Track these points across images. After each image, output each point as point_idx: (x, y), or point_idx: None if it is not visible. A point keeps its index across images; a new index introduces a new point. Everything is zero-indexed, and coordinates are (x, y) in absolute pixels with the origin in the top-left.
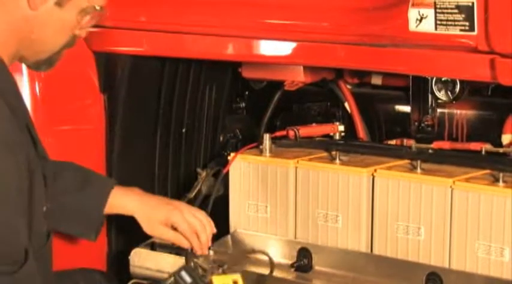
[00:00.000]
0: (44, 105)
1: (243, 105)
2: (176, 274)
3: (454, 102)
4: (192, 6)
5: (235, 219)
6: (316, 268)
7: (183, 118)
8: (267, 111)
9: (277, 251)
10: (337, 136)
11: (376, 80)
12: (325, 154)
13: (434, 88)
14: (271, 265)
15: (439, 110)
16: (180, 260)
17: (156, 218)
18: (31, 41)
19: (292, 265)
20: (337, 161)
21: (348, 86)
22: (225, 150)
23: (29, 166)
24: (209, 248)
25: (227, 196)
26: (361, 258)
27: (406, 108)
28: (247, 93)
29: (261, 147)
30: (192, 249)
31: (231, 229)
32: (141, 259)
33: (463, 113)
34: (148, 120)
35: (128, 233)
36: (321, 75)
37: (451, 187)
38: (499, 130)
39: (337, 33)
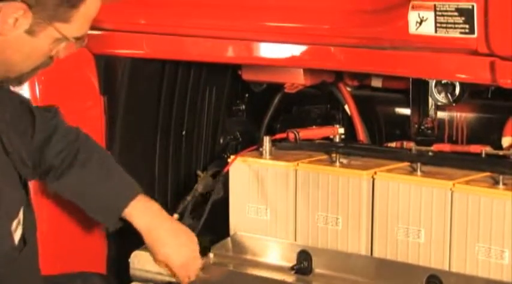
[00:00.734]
0: None
1: (243, 107)
2: None
3: (454, 104)
4: (192, 8)
5: (235, 222)
6: (316, 270)
7: (183, 121)
8: (267, 113)
9: (277, 254)
10: (337, 139)
11: (376, 83)
12: (325, 156)
13: (434, 90)
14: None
15: (439, 113)
16: None
17: (159, 253)
18: (0, 61)
19: (292, 268)
20: (337, 164)
21: (348, 89)
22: (225, 152)
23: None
24: (209, 251)
25: (227, 199)
26: (361, 261)
27: (406, 111)
28: (247, 95)
29: (261, 149)
30: None
31: (231, 232)
32: (141, 262)
33: (463, 116)
34: (148, 122)
35: (128, 236)
36: (321, 77)
37: (451, 189)
38: (499, 133)
39: (337, 36)
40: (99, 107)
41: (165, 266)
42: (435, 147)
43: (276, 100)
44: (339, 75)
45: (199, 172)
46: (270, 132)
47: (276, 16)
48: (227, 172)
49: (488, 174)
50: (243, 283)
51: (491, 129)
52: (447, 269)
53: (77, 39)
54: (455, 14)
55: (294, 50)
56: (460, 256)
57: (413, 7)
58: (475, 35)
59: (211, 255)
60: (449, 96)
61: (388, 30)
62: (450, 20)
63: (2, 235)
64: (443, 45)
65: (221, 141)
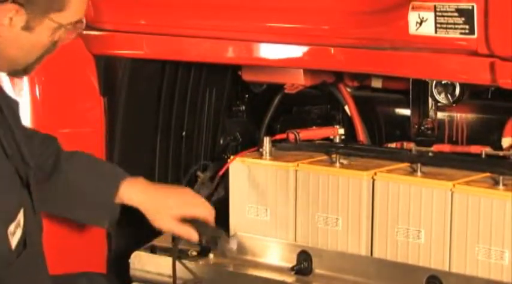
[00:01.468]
0: (44, 108)
1: (243, 108)
2: None
3: (454, 105)
4: (192, 9)
5: (235, 222)
6: (316, 271)
7: (183, 122)
8: (267, 114)
9: (277, 255)
10: (337, 140)
11: (376, 83)
12: (325, 157)
13: (434, 91)
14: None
15: (439, 113)
16: (179, 263)
17: (165, 212)
18: (2, 58)
19: (292, 268)
20: (337, 164)
21: (348, 89)
22: (225, 153)
23: None
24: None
25: (227, 199)
26: (361, 261)
27: (406, 111)
28: (247, 96)
29: (261, 150)
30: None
31: (231, 232)
32: (141, 262)
33: (463, 116)
34: (148, 123)
35: (128, 236)
36: (321, 78)
37: (451, 190)
38: (499, 134)
39: (337, 36)
40: (99, 108)
41: (177, 231)
42: (435, 148)
43: (276, 100)
44: (339, 76)
45: (199, 173)
46: (270, 132)
47: (276, 17)
48: (226, 174)
49: (488, 174)
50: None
51: (491, 129)
52: (447, 269)
53: (75, 23)
54: (455, 14)
55: (294, 51)
56: (460, 256)
57: (413, 8)
58: (475, 36)
59: (211, 255)
60: (449, 96)
61: (388, 31)
62: (450, 20)
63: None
64: (443, 46)
65: (221, 141)
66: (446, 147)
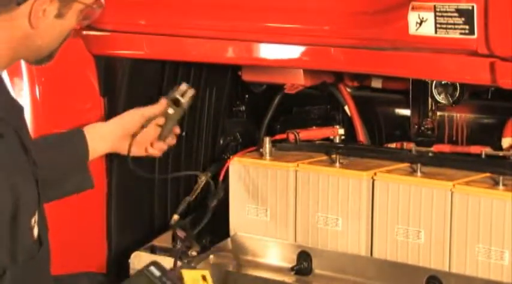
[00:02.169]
0: (44, 109)
1: (243, 108)
2: (145, 268)
3: (454, 105)
4: (192, 9)
5: (235, 222)
6: (316, 271)
7: (183, 122)
8: (267, 114)
9: (277, 255)
10: (337, 140)
11: (376, 83)
12: (325, 157)
13: (434, 91)
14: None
15: (439, 113)
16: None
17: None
18: (28, 47)
19: (292, 269)
20: (337, 164)
21: (348, 89)
22: (225, 153)
23: (9, 177)
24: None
25: (227, 200)
26: (361, 261)
27: (406, 111)
28: (247, 96)
29: (261, 150)
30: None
31: (231, 232)
32: (141, 262)
33: (463, 116)
34: None
35: (128, 236)
36: (321, 78)
37: (451, 190)
38: (499, 134)
39: (337, 37)
40: (99, 108)
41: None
42: (435, 148)
43: (276, 101)
44: (339, 76)
45: (199, 173)
46: (270, 132)
47: (276, 17)
48: (226, 174)
49: (488, 174)
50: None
51: (491, 129)
52: (447, 270)
53: (97, 1)
54: (455, 14)
55: (294, 51)
56: (460, 256)
57: (413, 8)
58: (475, 36)
59: (211, 256)
60: (449, 96)
61: (388, 31)
62: (450, 20)
63: (24, 229)
64: (443, 46)
65: (221, 142)
66: (446, 147)
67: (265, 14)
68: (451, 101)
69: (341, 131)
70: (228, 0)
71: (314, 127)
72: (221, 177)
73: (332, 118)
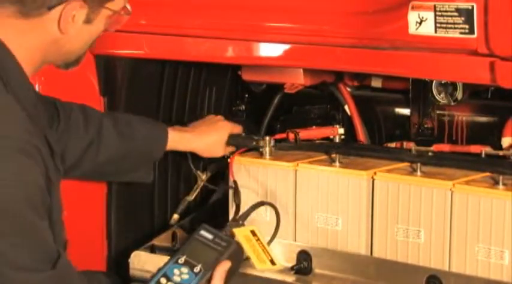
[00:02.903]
0: None
1: (243, 107)
2: (196, 234)
3: (454, 104)
4: (192, 9)
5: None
6: (316, 271)
7: (183, 122)
8: (266, 113)
9: (277, 254)
10: (337, 139)
11: (376, 83)
12: (325, 157)
13: (434, 91)
14: (277, 219)
15: (439, 113)
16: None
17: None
18: (57, 52)
19: (292, 268)
20: (337, 164)
21: (348, 89)
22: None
23: (47, 173)
24: None
25: (227, 199)
26: (361, 261)
27: (406, 111)
28: (247, 95)
29: (261, 149)
30: None
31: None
32: (140, 262)
33: (463, 116)
34: None
35: (128, 236)
36: (321, 77)
37: (451, 190)
38: (499, 133)
39: (337, 36)
40: (99, 108)
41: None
42: (435, 147)
43: (276, 100)
44: (339, 76)
45: (199, 173)
46: (270, 132)
47: (276, 16)
48: (226, 173)
49: (488, 174)
50: (243, 283)
51: (491, 129)
52: (447, 269)
53: (123, 8)
54: (455, 14)
55: (293, 50)
56: (460, 256)
57: (413, 7)
58: (475, 35)
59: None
60: (449, 96)
61: (388, 31)
62: (450, 20)
63: (60, 225)
64: (443, 46)
65: None
66: (446, 147)
67: (265, 14)
68: (451, 101)
69: (341, 131)
70: (228, 0)
71: (314, 127)
72: (231, 176)
73: (332, 117)
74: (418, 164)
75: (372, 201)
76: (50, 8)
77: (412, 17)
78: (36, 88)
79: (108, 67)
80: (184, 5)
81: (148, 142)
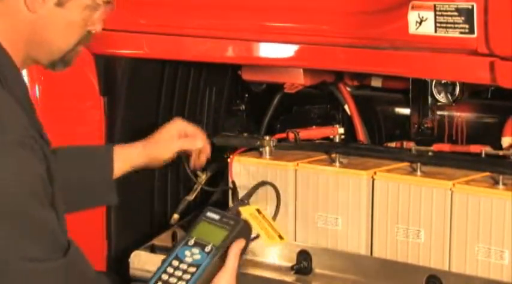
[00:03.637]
0: (44, 108)
1: (242, 107)
2: (203, 216)
3: (453, 104)
4: (192, 8)
5: None
6: (316, 270)
7: None
8: (266, 113)
9: (276, 254)
10: (337, 139)
11: (376, 82)
12: (325, 156)
13: (434, 90)
14: (278, 198)
15: (438, 112)
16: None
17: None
18: (38, 43)
19: (292, 268)
20: (337, 164)
21: (348, 88)
22: (224, 153)
23: (47, 163)
24: None
25: (227, 199)
26: (361, 261)
27: (406, 111)
28: (247, 95)
29: (261, 149)
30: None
31: None
32: (141, 262)
33: (463, 116)
34: (148, 123)
35: (128, 236)
36: (320, 77)
37: (451, 189)
38: (498, 133)
39: (337, 36)
40: (99, 108)
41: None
42: (435, 147)
43: (276, 100)
44: (339, 75)
45: (199, 173)
46: (270, 132)
47: (276, 16)
48: (226, 173)
49: (488, 174)
50: (243, 283)
51: (491, 129)
52: (447, 269)
53: (106, 2)
54: (455, 14)
55: (293, 50)
56: (459, 256)
57: (413, 7)
58: (475, 35)
59: None
60: (449, 96)
61: (388, 30)
62: (450, 20)
63: (63, 218)
64: (443, 45)
65: None
66: (446, 147)
67: (265, 13)
68: (451, 100)
69: (341, 130)
70: (228, 0)
71: (314, 127)
72: (231, 176)
73: (332, 117)
74: (418, 164)
75: (372, 200)
76: None
77: (412, 16)
78: (36, 88)
79: (108, 67)
80: (184, 5)
81: (93, 158)
